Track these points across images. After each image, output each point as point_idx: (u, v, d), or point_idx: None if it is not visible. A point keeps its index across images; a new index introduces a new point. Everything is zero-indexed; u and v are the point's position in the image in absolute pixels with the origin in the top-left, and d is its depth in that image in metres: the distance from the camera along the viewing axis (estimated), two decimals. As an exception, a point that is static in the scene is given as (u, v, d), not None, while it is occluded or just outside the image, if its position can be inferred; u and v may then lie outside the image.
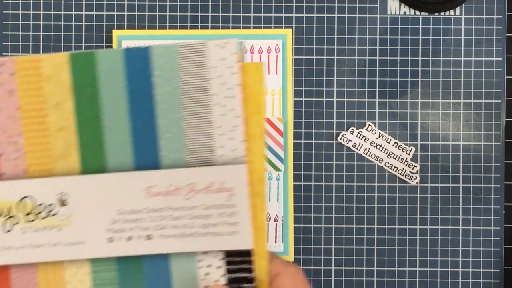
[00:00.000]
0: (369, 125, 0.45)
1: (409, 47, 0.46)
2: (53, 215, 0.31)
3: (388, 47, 0.46)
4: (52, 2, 0.46)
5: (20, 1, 0.46)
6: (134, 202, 0.30)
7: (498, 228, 0.45)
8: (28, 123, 0.31)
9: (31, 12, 0.46)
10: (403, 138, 0.46)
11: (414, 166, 0.45)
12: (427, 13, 0.46)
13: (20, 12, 0.46)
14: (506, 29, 0.46)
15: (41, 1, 0.46)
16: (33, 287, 0.31)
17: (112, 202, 0.30)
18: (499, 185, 0.45)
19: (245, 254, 0.30)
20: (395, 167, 0.45)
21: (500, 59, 0.46)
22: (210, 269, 0.31)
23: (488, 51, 0.46)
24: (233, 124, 0.30)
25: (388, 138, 0.45)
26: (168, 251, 0.31)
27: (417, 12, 0.46)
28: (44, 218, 0.31)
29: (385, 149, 0.45)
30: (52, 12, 0.46)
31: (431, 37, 0.46)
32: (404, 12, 0.46)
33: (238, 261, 0.30)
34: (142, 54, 0.30)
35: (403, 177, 0.45)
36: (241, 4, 0.46)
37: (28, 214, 0.31)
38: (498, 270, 0.45)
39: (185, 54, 0.30)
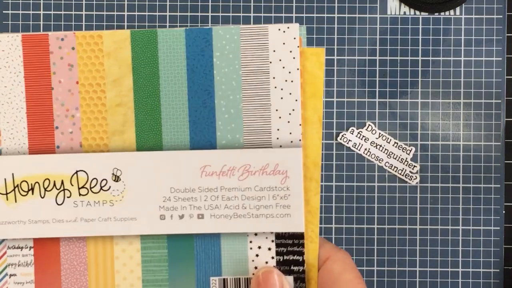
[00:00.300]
0: (369, 125, 0.45)
1: (409, 47, 0.46)
2: (106, 190, 0.31)
3: (388, 47, 0.46)
4: (52, 2, 0.46)
5: (20, 1, 0.46)
6: (188, 180, 0.30)
7: (498, 228, 0.45)
8: (85, 98, 0.31)
9: (31, 12, 0.46)
10: (403, 138, 0.46)
11: (414, 166, 0.45)
12: (427, 13, 0.46)
13: (20, 12, 0.46)
14: (506, 29, 0.46)
15: (41, 1, 0.46)
16: (82, 261, 0.31)
17: (166, 180, 0.31)
18: (499, 185, 0.45)
19: (296, 237, 0.30)
20: (395, 167, 0.45)
21: (500, 59, 0.46)
22: (260, 251, 0.31)
23: (488, 51, 0.46)
24: (291, 108, 0.30)
25: (388, 138, 0.45)
26: (220, 231, 0.31)
27: (417, 12, 0.46)
28: (96, 192, 0.31)
29: (385, 149, 0.45)
30: (52, 12, 0.46)
31: (431, 37, 0.46)
32: (404, 12, 0.46)
33: (289, 244, 0.30)
34: (204, 35, 0.30)
35: (403, 177, 0.45)
36: (241, 4, 0.46)
37: (81, 188, 0.31)
38: (498, 270, 0.45)
39: (247, 37, 0.30)
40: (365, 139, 0.45)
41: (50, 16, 0.46)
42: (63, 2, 0.46)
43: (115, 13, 0.46)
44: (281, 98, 0.30)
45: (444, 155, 0.46)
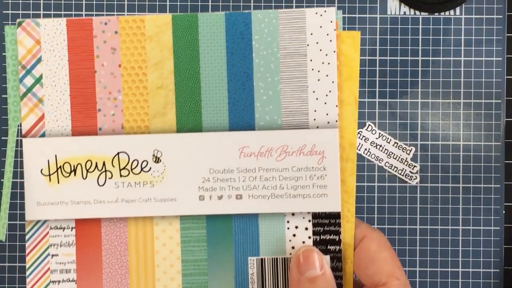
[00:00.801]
0: (369, 125, 0.45)
1: (409, 47, 0.46)
2: (147, 171, 0.31)
3: (388, 47, 0.46)
4: (52, 2, 0.46)
5: (20, 1, 0.46)
6: (226, 161, 0.31)
7: (498, 228, 0.45)
8: (128, 81, 0.32)
9: (31, 12, 0.46)
10: (403, 138, 0.46)
11: (414, 166, 0.45)
12: (427, 13, 0.46)
13: (20, 12, 0.46)
14: (506, 29, 0.46)
15: (41, 1, 0.46)
16: (122, 241, 0.32)
17: (205, 161, 0.31)
18: (499, 185, 0.45)
19: (333, 217, 0.31)
20: (395, 167, 0.45)
21: (500, 59, 0.46)
22: (297, 231, 0.31)
23: (488, 51, 0.46)
24: (327, 90, 0.31)
25: (388, 138, 0.45)
26: (258, 211, 0.31)
27: (417, 12, 0.46)
28: (137, 174, 0.31)
29: (385, 149, 0.45)
30: (52, 12, 0.46)
31: (431, 37, 0.46)
32: (404, 12, 0.46)
33: (326, 223, 0.31)
34: (243, 18, 0.31)
35: (403, 177, 0.45)
36: (241, 4, 0.46)
37: (122, 169, 0.31)
38: (498, 270, 0.45)
39: (285, 20, 0.31)
40: (365, 139, 0.45)
41: (50, 16, 0.46)
42: (63, 2, 0.46)
43: (115, 13, 0.46)
44: (318, 80, 0.31)
45: (444, 155, 0.46)
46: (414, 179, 0.45)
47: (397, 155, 0.45)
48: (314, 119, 0.31)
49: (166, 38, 0.31)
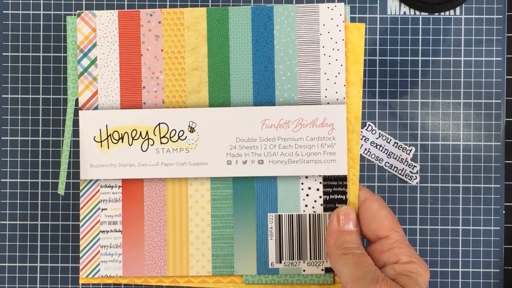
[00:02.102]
0: (369, 125, 0.45)
1: (409, 47, 0.46)
2: (183, 139, 0.37)
3: (388, 47, 0.46)
4: (52, 2, 0.46)
5: (20, 1, 0.46)
6: (250, 132, 0.36)
7: (498, 228, 0.45)
8: (168, 63, 0.37)
9: (31, 12, 0.46)
10: (403, 138, 0.46)
11: (414, 166, 0.45)
12: (427, 13, 0.46)
13: (20, 12, 0.46)
14: (506, 29, 0.46)
15: (41, 1, 0.46)
16: (161, 197, 0.37)
17: (233, 131, 0.36)
18: (499, 185, 0.45)
19: (340, 179, 0.36)
20: (395, 167, 0.45)
21: (500, 59, 0.46)
22: (310, 191, 0.36)
23: (488, 51, 0.46)
24: (337, 71, 0.36)
25: (388, 138, 0.45)
26: (277, 174, 0.36)
27: (417, 12, 0.46)
28: (175, 141, 0.37)
29: (385, 149, 0.45)
30: (52, 12, 0.46)
31: (431, 37, 0.46)
32: (404, 12, 0.46)
33: (334, 185, 0.36)
34: (266, 11, 0.37)
35: (403, 177, 0.45)
36: (241, 4, 0.46)
37: (162, 137, 0.37)
38: (498, 270, 0.45)
39: (301, 13, 0.36)
40: (365, 139, 0.45)
41: (50, 16, 0.46)
42: (63, 2, 0.46)
43: (115, 13, 0.46)
44: (329, 63, 0.36)
45: (444, 155, 0.46)
46: (414, 179, 0.45)
47: (397, 155, 0.45)
48: (325, 96, 0.36)
49: (201, 28, 0.37)
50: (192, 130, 0.37)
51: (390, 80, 0.46)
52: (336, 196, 0.36)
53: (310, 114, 0.36)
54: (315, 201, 0.36)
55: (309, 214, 0.36)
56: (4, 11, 0.46)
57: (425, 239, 0.45)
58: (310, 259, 0.36)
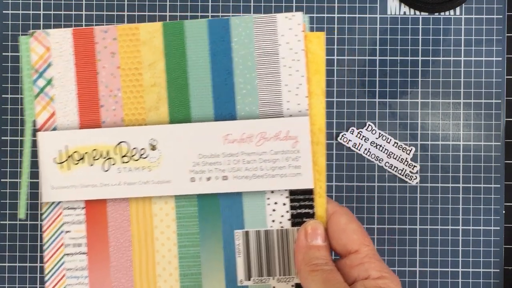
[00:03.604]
0: (369, 125, 0.45)
1: (409, 47, 0.46)
2: (145, 157, 0.36)
3: (388, 47, 0.46)
4: (52, 2, 0.46)
5: (20, 1, 0.46)
6: (213, 147, 0.35)
7: (498, 228, 0.45)
8: (126, 80, 0.36)
9: (31, 12, 0.46)
10: (403, 138, 0.46)
11: (414, 166, 0.45)
12: (427, 13, 0.46)
13: (20, 12, 0.46)
14: (506, 29, 0.46)
15: (41, 1, 0.46)
16: (125, 218, 0.36)
17: (195, 148, 0.35)
18: (499, 185, 0.45)
19: (307, 193, 0.35)
20: (395, 167, 0.45)
21: (500, 59, 0.46)
22: (276, 206, 0.35)
23: (488, 51, 0.46)
24: (298, 83, 0.35)
25: (388, 138, 0.45)
26: (241, 190, 0.36)
27: (417, 12, 0.46)
28: (137, 160, 0.36)
29: (385, 149, 0.45)
30: (52, 12, 0.46)
31: (431, 37, 0.46)
32: (404, 12, 0.46)
33: (301, 199, 0.35)
34: (223, 24, 0.36)
35: (403, 177, 0.45)
36: (241, 4, 0.46)
37: (123, 156, 0.36)
38: (498, 270, 0.45)
39: (259, 24, 0.35)
40: (365, 139, 0.45)
41: (50, 16, 0.46)
42: (63, 2, 0.46)
43: (115, 13, 0.46)
44: (290, 74, 0.35)
45: (444, 155, 0.46)
46: (414, 179, 0.45)
47: (397, 155, 0.45)
48: (288, 109, 0.35)
49: (158, 43, 0.36)
50: (153, 148, 0.36)
51: (390, 80, 0.46)
52: (303, 210, 0.35)
53: (273, 127, 0.35)
54: (282, 216, 0.35)
55: (277, 230, 0.36)
56: (4, 11, 0.46)
57: (425, 239, 0.45)
58: (280, 275, 0.36)
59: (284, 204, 0.35)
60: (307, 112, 0.35)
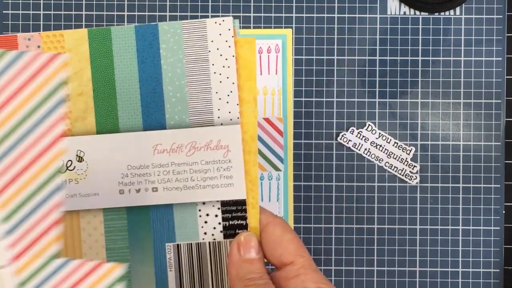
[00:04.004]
0: (369, 125, 0.45)
1: (409, 47, 0.46)
2: (72, 170, 0.34)
3: (388, 47, 0.46)
4: (52, 2, 0.46)
5: (20, 1, 0.46)
6: (142, 158, 0.34)
7: (498, 228, 0.45)
8: None
9: (31, 12, 0.46)
10: (403, 138, 0.46)
11: (414, 166, 0.45)
12: (427, 13, 0.46)
13: (20, 12, 0.46)
14: (506, 29, 0.46)
15: (41, 1, 0.46)
16: None
17: (123, 159, 0.34)
18: (499, 185, 0.45)
19: (239, 204, 0.34)
20: (395, 167, 0.45)
21: (500, 59, 0.46)
22: (208, 218, 0.34)
23: (488, 51, 0.46)
24: (229, 90, 0.34)
25: (388, 138, 0.45)
26: (172, 201, 0.34)
27: (417, 12, 0.46)
28: (63, 172, 0.34)
29: (385, 149, 0.45)
30: (52, 12, 0.46)
31: (431, 37, 0.46)
32: (404, 12, 0.46)
33: (233, 210, 0.34)
34: (151, 30, 0.34)
35: (403, 177, 0.45)
36: (241, 4, 0.46)
37: None
38: (498, 270, 0.45)
39: (188, 30, 0.34)
40: (365, 139, 0.45)
41: (50, 16, 0.46)
42: (63, 2, 0.46)
43: (115, 13, 0.46)
44: (220, 82, 0.34)
45: (444, 155, 0.46)
46: (414, 179, 0.45)
47: (397, 155, 0.45)
48: (218, 117, 0.34)
49: (84, 50, 0.35)
50: (80, 159, 0.35)
51: (390, 80, 0.46)
52: (236, 222, 0.34)
53: (203, 137, 0.34)
54: (214, 228, 0.34)
55: (209, 242, 0.35)
56: (4, 11, 0.46)
57: (425, 239, 0.45)
58: None
59: (216, 216, 0.34)
60: (239, 120, 0.34)
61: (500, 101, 0.46)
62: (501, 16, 0.46)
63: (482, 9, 0.46)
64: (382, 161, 0.45)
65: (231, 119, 0.34)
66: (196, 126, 0.34)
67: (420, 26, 0.46)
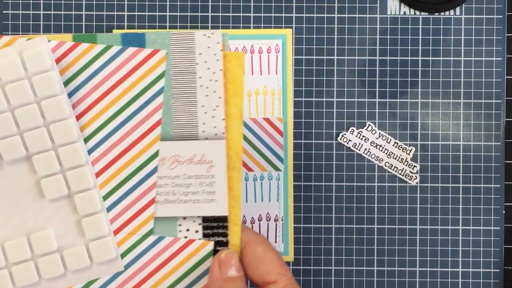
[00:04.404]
0: (369, 125, 0.45)
1: (409, 47, 0.46)
2: None
3: (388, 47, 0.46)
4: (52, 2, 0.46)
5: (20, 1, 0.46)
6: None
7: (498, 228, 0.45)
8: None
9: (31, 12, 0.46)
10: (403, 138, 0.46)
11: (414, 166, 0.45)
12: (427, 13, 0.46)
13: (20, 12, 0.46)
14: (506, 29, 0.46)
15: (41, 1, 0.46)
16: None
17: None
18: (499, 185, 0.45)
19: (221, 220, 0.33)
20: (395, 167, 0.45)
21: (500, 59, 0.46)
22: (188, 233, 0.33)
23: (488, 51, 0.46)
24: (215, 104, 0.33)
25: (388, 138, 0.45)
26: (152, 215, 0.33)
27: (417, 12, 0.46)
28: None
29: (385, 149, 0.45)
30: (52, 12, 0.46)
31: (431, 37, 0.46)
32: (404, 12, 0.46)
33: (214, 226, 0.33)
34: (138, 39, 0.33)
35: (403, 177, 0.45)
36: (241, 4, 0.46)
37: None
38: (498, 270, 0.45)
39: (176, 41, 0.33)
40: (365, 139, 0.45)
41: (50, 16, 0.46)
42: (63, 2, 0.46)
43: (115, 13, 0.46)
44: (207, 95, 0.33)
45: (444, 155, 0.46)
46: (414, 179, 0.45)
47: (397, 155, 0.45)
48: (203, 131, 0.33)
49: None
50: None
51: (390, 80, 0.46)
52: (216, 238, 0.33)
53: (187, 150, 0.33)
54: None
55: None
56: (4, 11, 0.46)
57: (425, 239, 0.45)
58: None
59: (197, 232, 0.33)
60: (224, 135, 0.33)
61: (500, 101, 0.46)
62: (501, 16, 0.46)
63: (482, 9, 0.46)
64: (382, 161, 0.45)
65: (216, 134, 0.33)
66: (180, 139, 0.33)
67: (420, 26, 0.46)
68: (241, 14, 0.46)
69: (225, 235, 0.33)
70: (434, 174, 0.46)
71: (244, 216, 0.45)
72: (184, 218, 0.33)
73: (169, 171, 0.33)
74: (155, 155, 0.33)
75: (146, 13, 0.46)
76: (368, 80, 0.46)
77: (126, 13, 0.46)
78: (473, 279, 0.45)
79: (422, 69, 0.46)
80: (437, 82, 0.46)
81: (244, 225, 0.34)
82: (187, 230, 0.34)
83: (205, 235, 0.33)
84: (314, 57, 0.46)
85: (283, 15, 0.46)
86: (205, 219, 0.33)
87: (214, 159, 0.33)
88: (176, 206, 0.33)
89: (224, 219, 0.33)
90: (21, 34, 0.46)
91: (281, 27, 0.46)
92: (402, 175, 0.45)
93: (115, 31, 0.45)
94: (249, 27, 0.46)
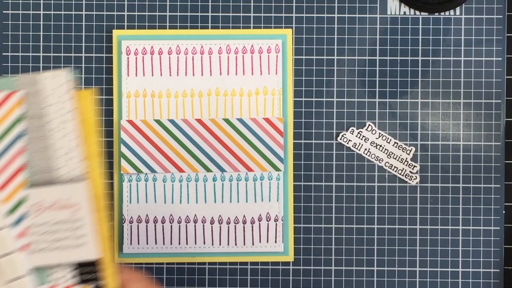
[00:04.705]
0: (369, 125, 0.45)
1: (409, 47, 0.46)
2: None
3: (388, 47, 0.46)
4: (52, 2, 0.46)
5: (20, 1, 0.46)
6: None
7: (498, 228, 0.45)
8: None
9: (31, 12, 0.46)
10: (403, 138, 0.46)
11: (414, 166, 0.45)
12: (427, 13, 0.46)
13: (20, 12, 0.46)
14: (506, 29, 0.46)
15: (41, 1, 0.46)
16: None
17: None
18: (499, 185, 0.45)
19: (94, 264, 0.32)
20: (395, 167, 0.45)
21: (500, 59, 0.46)
22: (62, 281, 0.32)
23: (488, 51, 0.46)
24: (72, 145, 0.32)
25: (388, 138, 0.45)
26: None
27: (417, 12, 0.46)
28: None
29: (385, 149, 0.45)
30: (52, 12, 0.46)
31: (431, 37, 0.46)
32: (404, 12, 0.46)
33: (88, 271, 0.32)
34: None
35: (403, 177, 0.45)
36: (241, 4, 0.46)
37: None
38: (498, 270, 0.45)
39: (23, 86, 0.32)
40: (365, 139, 0.45)
41: (50, 16, 0.46)
42: (63, 2, 0.46)
43: (115, 13, 0.46)
44: (62, 137, 0.32)
45: (444, 155, 0.46)
46: (414, 179, 0.45)
47: (397, 155, 0.45)
48: (63, 174, 0.32)
49: None
50: None
51: (390, 80, 0.46)
52: (92, 284, 0.32)
53: (49, 196, 0.32)
54: None
55: None
56: (4, 11, 0.46)
57: (425, 239, 0.45)
58: None
59: (69, 279, 0.32)
60: (84, 177, 0.32)
61: (500, 101, 0.46)
62: (501, 16, 0.46)
63: (482, 9, 0.46)
64: (382, 161, 0.45)
65: (76, 176, 0.32)
66: (41, 185, 0.32)
67: (420, 26, 0.46)
68: (241, 14, 0.46)
69: (101, 278, 0.32)
70: (434, 174, 0.46)
71: (244, 216, 0.45)
72: (57, 265, 0.32)
73: (34, 220, 0.32)
74: (22, 202, 0.32)
75: (146, 13, 0.46)
76: (368, 80, 0.46)
77: (126, 13, 0.46)
78: (473, 279, 0.45)
79: (422, 69, 0.46)
80: (437, 82, 0.46)
81: (120, 265, 0.34)
82: (61, 278, 0.33)
83: (83, 281, 0.32)
84: (314, 57, 0.46)
85: (283, 15, 0.46)
86: (78, 265, 0.32)
87: (78, 202, 0.32)
88: (44, 255, 0.32)
89: (96, 263, 0.32)
90: (21, 33, 0.46)
91: (281, 27, 0.46)
92: (402, 175, 0.45)
93: (115, 31, 0.45)
94: (249, 27, 0.46)
